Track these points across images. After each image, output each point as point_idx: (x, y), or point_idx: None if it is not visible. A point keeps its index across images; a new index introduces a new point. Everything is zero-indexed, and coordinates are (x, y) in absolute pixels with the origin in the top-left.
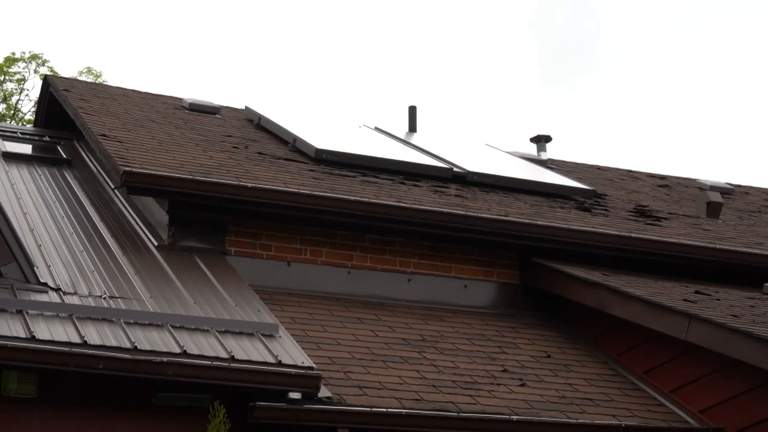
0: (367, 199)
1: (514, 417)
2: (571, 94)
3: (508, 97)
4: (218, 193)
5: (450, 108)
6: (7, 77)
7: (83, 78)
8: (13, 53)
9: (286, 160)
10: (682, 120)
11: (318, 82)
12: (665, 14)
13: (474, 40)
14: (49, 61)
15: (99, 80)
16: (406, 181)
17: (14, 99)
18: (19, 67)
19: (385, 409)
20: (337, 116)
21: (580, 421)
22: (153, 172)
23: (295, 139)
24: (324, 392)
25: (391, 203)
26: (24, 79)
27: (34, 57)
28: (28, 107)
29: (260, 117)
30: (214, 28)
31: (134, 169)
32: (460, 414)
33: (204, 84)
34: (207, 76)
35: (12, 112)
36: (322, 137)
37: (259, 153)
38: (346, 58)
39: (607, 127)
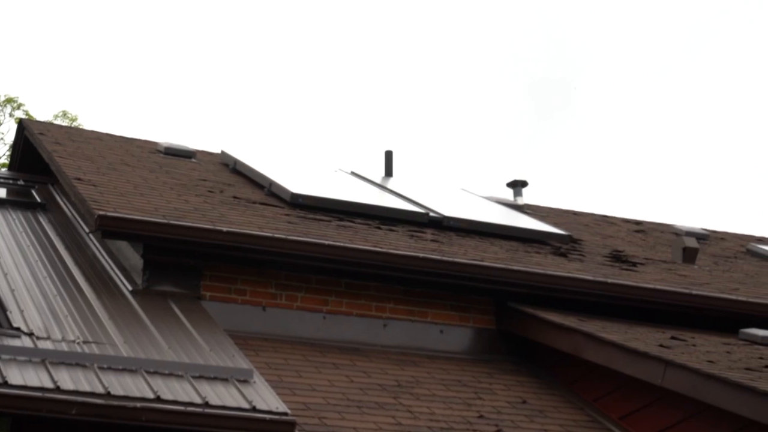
0: (342, 244)
1: None
2: (548, 137)
3: (485, 141)
4: (193, 237)
5: (426, 152)
6: None
7: (59, 121)
8: None
9: (261, 204)
10: (658, 164)
11: (294, 126)
12: (643, 59)
13: (450, 85)
14: (24, 104)
15: (75, 124)
16: (382, 226)
17: None
18: None
19: None
20: (313, 161)
21: None
22: (127, 216)
23: (271, 183)
24: None
25: (367, 248)
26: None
27: (9, 100)
28: (2, 150)
29: (236, 161)
30: (190, 72)
31: (108, 213)
32: None
33: (180, 128)
34: (183, 121)
35: None
36: (297, 182)
37: (235, 197)
38: (322, 102)
39: (584, 171)
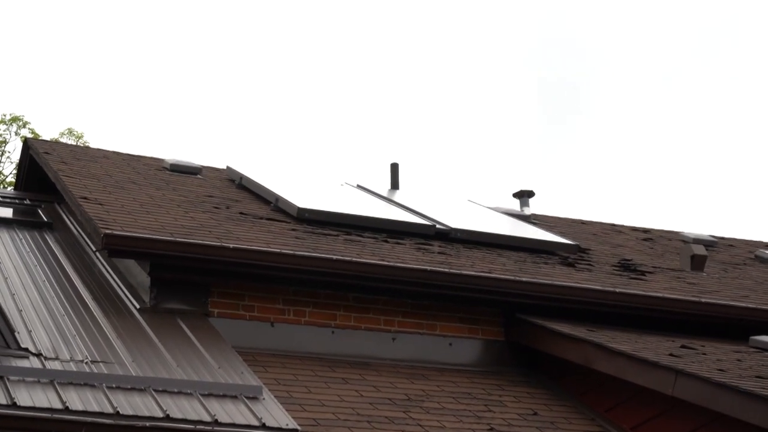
0: (349, 258)
1: None
2: (556, 145)
3: (492, 151)
4: (200, 254)
5: (432, 164)
6: None
7: (64, 139)
8: None
9: (268, 219)
10: (667, 171)
11: (300, 140)
12: (653, 66)
13: (456, 96)
14: (30, 123)
15: (80, 141)
16: (389, 239)
17: None
18: None
19: None
20: (319, 175)
21: None
22: (133, 234)
23: (277, 198)
24: None
25: (374, 261)
26: (5, 142)
27: (15, 119)
28: (9, 169)
29: (242, 177)
30: (195, 87)
31: (115, 232)
32: None
33: (185, 144)
34: (188, 136)
35: None
36: (304, 196)
37: (241, 213)
38: (327, 116)
39: (591, 179)
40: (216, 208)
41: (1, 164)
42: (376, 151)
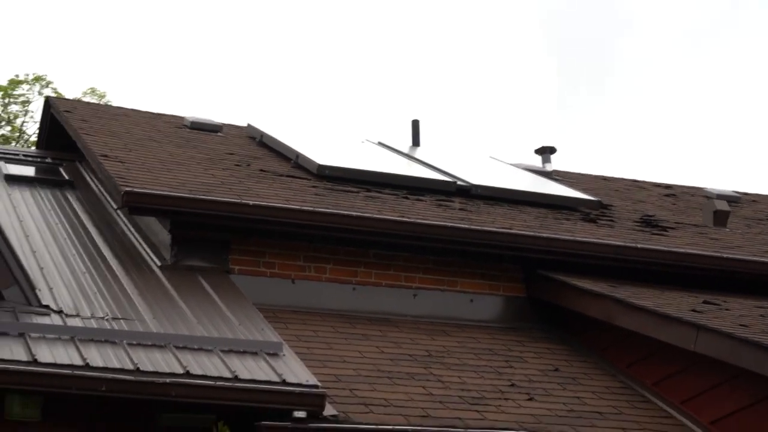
0: (369, 215)
1: None
2: (579, 102)
3: (514, 108)
4: (220, 211)
5: (454, 121)
6: (11, 99)
7: (87, 98)
8: (17, 75)
9: (288, 176)
10: (692, 129)
11: (321, 97)
12: (679, 24)
13: (479, 52)
14: (53, 82)
15: (103, 100)
16: (409, 196)
17: (19, 121)
18: (23, 89)
19: (391, 427)
20: (340, 132)
21: None
22: (153, 191)
23: (298, 155)
24: (329, 410)
25: (395, 218)
26: (28, 101)
27: (38, 79)
28: (32, 129)
29: (262, 134)
30: (216, 46)
31: (135, 189)
32: (468, 430)
33: (207, 102)
34: (210, 95)
35: (17, 134)
36: (324, 153)
37: (261, 170)
38: (349, 73)
39: (615, 138)
40: (236, 165)
41: (25, 124)
42: (397, 108)
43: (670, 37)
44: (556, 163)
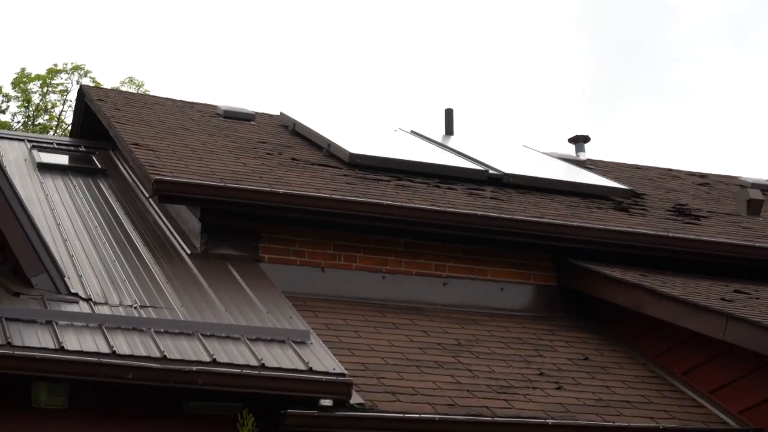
0: (400, 203)
1: (550, 421)
2: (618, 94)
3: (550, 98)
4: (250, 199)
5: (488, 110)
6: (50, 89)
7: (125, 87)
8: (56, 65)
9: (319, 165)
10: (732, 120)
11: (355, 86)
12: (722, 14)
13: (515, 41)
14: (91, 71)
15: (142, 89)
16: (441, 185)
17: (57, 110)
18: (61, 79)
19: (417, 415)
20: (373, 121)
21: (616, 424)
22: (184, 180)
23: (330, 144)
24: (356, 399)
25: (425, 206)
26: (67, 91)
27: (76, 68)
28: (71, 118)
29: (295, 123)
30: (254, 36)
31: (165, 178)
32: (495, 419)
33: (244, 92)
34: (247, 84)
35: (56, 123)
36: (356, 142)
37: (293, 159)
38: (384, 62)
39: (652, 129)
40: (268, 154)
41: (63, 113)
42: (432, 97)
43: (714, 28)
44: (590, 152)
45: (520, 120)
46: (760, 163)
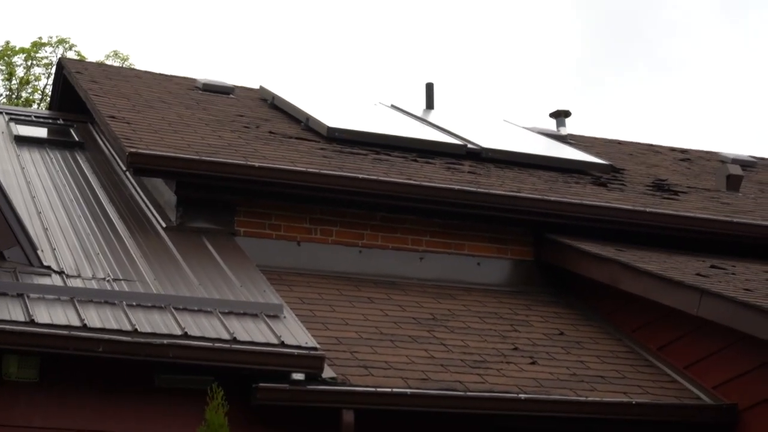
0: (376, 177)
1: (522, 395)
2: (606, 70)
3: (535, 72)
4: (225, 173)
5: (472, 84)
6: (34, 62)
7: (110, 61)
8: (41, 38)
9: (297, 139)
10: (725, 96)
11: (337, 60)
12: None
13: (501, 14)
14: (76, 45)
15: (126, 63)
16: (419, 159)
17: (41, 83)
18: (46, 52)
19: (390, 389)
20: (353, 95)
21: (589, 399)
22: (159, 152)
23: (308, 117)
24: (328, 372)
25: (401, 180)
26: (51, 64)
27: (61, 41)
28: None
29: (274, 96)
30: (239, 12)
31: (140, 150)
32: (467, 393)
33: (227, 66)
34: (230, 59)
35: (40, 96)
36: (335, 116)
37: (270, 132)
38: (365, 35)
39: (641, 102)
40: (245, 127)
41: (48, 86)
42: (415, 71)
43: (709, 3)
44: (576, 127)
45: (506, 95)
46: (754, 139)
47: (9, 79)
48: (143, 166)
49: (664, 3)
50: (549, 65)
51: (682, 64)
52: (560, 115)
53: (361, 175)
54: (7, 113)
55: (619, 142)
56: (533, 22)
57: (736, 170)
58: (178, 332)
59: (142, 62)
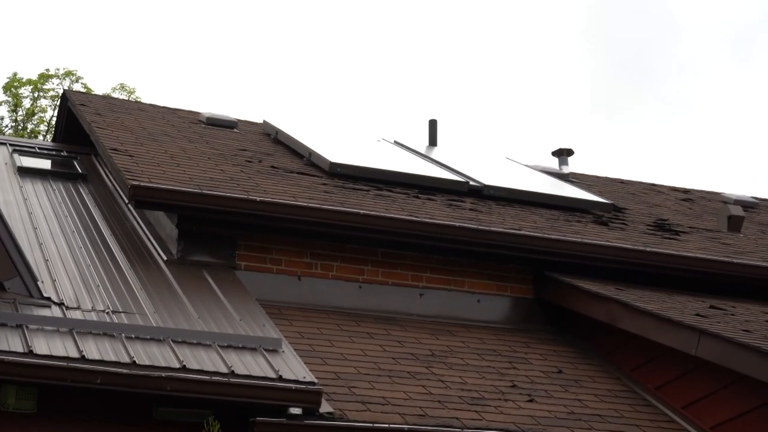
0: (377, 213)
1: None
2: (615, 108)
3: (542, 110)
4: (226, 206)
5: (475, 122)
6: (41, 94)
7: (116, 94)
8: (48, 69)
9: (299, 173)
10: (731, 130)
11: (341, 96)
12: (725, 28)
13: (513, 51)
14: (83, 77)
15: (133, 96)
16: (420, 195)
17: (47, 115)
18: (53, 84)
19: (387, 425)
20: (356, 130)
21: None
22: (161, 186)
23: (311, 152)
24: (326, 407)
25: (402, 217)
26: (58, 96)
27: (68, 73)
28: None
29: (277, 131)
30: (244, 45)
31: (142, 183)
32: (464, 430)
33: (232, 100)
34: (236, 93)
35: (46, 127)
36: (338, 151)
37: (273, 167)
38: (370, 71)
39: (649, 139)
40: (248, 161)
41: (54, 118)
42: (417, 107)
43: (717, 41)
44: (575, 165)
45: (509, 132)
46: (757, 180)
47: (15, 110)
48: (145, 198)
49: (672, 40)
50: (553, 103)
51: (688, 104)
52: (563, 154)
53: (362, 211)
54: (11, 144)
55: (622, 182)
56: (539, 59)
57: (737, 211)
58: (176, 365)
59: (148, 95)
